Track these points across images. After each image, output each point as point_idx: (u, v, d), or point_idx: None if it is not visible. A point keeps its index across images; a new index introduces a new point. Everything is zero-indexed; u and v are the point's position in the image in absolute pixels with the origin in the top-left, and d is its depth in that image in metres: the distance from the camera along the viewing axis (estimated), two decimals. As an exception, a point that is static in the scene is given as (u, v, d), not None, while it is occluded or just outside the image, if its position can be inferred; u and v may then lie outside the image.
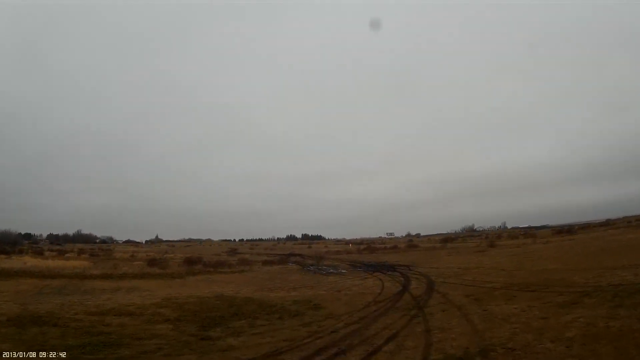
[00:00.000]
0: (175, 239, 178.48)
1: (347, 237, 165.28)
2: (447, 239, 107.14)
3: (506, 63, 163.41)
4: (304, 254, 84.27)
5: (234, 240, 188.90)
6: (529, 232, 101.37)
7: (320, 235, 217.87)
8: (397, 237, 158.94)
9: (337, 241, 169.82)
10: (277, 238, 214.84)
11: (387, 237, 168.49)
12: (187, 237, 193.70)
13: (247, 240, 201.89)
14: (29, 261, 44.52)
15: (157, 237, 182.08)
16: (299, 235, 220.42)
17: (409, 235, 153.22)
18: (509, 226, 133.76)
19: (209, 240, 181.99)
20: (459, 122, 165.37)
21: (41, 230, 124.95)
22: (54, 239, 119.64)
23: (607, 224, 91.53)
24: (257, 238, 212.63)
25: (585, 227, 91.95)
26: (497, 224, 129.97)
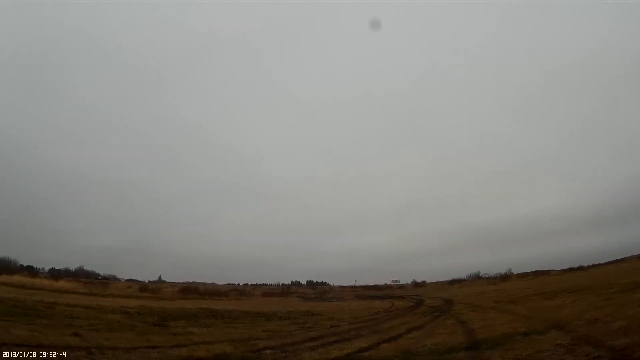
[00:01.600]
0: (179, 281, 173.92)
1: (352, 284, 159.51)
2: (454, 281, 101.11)
3: (515, 106, 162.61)
4: (307, 292, 79.72)
5: (239, 284, 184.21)
6: (540, 272, 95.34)
7: (325, 282, 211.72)
8: (403, 284, 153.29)
9: (342, 287, 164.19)
10: (282, 284, 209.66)
11: (393, 283, 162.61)
12: (190, 280, 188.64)
13: (252, 285, 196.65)
14: (15, 278, 40.89)
15: (160, 277, 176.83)
16: (303, 282, 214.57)
17: (414, 282, 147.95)
18: (515, 272, 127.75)
19: (213, 283, 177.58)
20: (467, 171, 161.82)
21: (44, 264, 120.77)
22: (55, 272, 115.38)
23: (617, 262, 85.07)
24: (262, 283, 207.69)
25: (595, 266, 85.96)
26: (502, 270, 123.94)
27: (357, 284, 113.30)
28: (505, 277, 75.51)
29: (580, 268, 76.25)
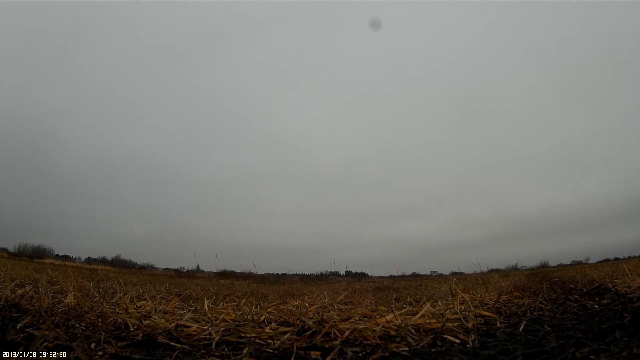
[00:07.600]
0: (216, 271, 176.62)
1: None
2: (492, 272, 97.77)
3: (566, 91, 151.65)
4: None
5: (277, 273, 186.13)
6: (577, 263, 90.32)
7: (364, 273, 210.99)
8: (442, 274, 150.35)
9: (381, 278, 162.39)
10: (321, 273, 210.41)
11: (431, 275, 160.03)
12: (229, 270, 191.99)
13: (290, 274, 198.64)
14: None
15: (198, 267, 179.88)
16: (342, 272, 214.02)
17: (453, 273, 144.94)
18: (552, 264, 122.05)
19: (250, 272, 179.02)
20: (516, 159, 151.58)
21: (80, 254, 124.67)
22: (91, 262, 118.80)
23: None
24: (301, 273, 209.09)
25: (632, 258, 79.91)
26: (539, 262, 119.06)
27: (396, 273, 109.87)
28: (543, 268, 72.11)
29: (617, 259, 71.98)
